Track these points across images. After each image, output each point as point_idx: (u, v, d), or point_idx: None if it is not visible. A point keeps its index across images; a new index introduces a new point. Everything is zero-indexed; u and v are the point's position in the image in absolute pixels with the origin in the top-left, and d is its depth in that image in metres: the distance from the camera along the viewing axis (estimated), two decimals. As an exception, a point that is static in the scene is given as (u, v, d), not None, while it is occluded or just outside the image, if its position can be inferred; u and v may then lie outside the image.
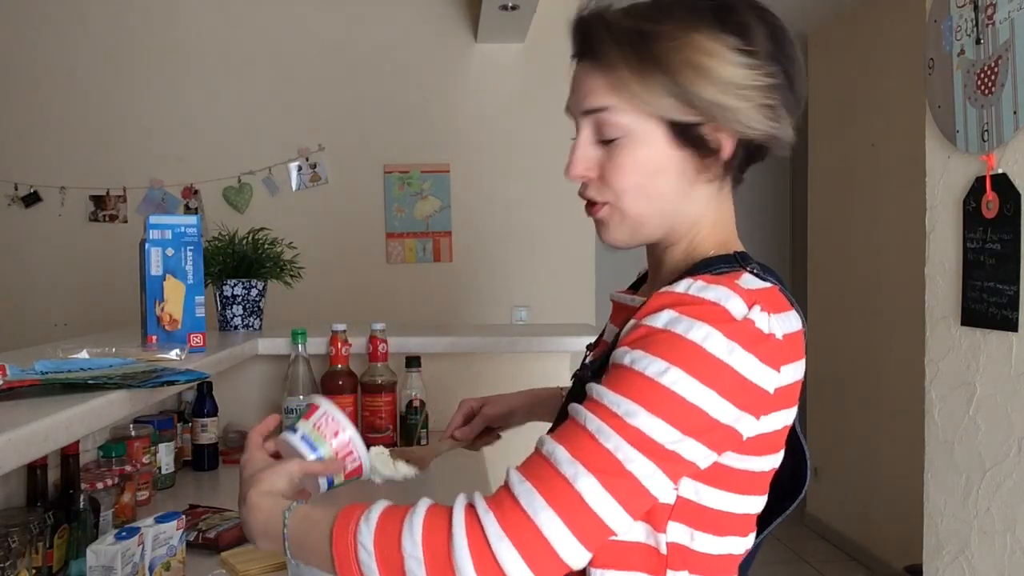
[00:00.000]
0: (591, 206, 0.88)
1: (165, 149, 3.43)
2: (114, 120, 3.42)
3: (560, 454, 0.73)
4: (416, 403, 1.96)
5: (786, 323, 0.81)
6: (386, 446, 1.03)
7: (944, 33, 1.97)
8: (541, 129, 3.44)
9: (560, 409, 0.89)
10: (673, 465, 0.74)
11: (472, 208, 3.49)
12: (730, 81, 0.79)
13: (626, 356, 0.76)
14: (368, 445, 0.95)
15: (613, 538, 0.77)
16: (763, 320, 0.76)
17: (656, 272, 0.92)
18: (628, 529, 0.75)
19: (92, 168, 3.41)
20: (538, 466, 0.74)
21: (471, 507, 0.74)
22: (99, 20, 3.41)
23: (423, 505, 0.76)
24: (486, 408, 1.18)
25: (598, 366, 0.83)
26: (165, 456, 1.74)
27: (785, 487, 0.91)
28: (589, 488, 0.71)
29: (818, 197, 4.48)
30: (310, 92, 3.46)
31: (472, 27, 3.44)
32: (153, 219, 1.55)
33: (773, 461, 0.84)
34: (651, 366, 0.73)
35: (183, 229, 1.55)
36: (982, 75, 1.84)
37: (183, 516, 1.21)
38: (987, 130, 1.84)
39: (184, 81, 3.43)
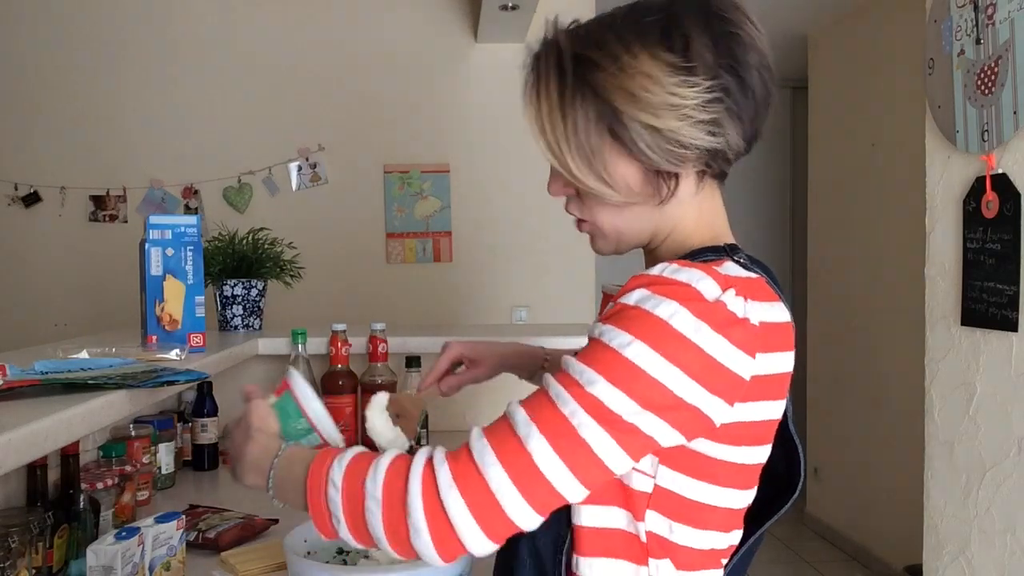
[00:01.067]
0: (578, 222, 0.93)
1: (165, 149, 3.43)
2: (114, 120, 3.42)
3: (519, 416, 0.76)
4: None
5: (768, 312, 0.80)
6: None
7: (944, 33, 1.97)
8: (541, 129, 3.43)
9: None
10: (630, 438, 0.74)
11: (472, 208, 3.49)
12: (664, 104, 0.80)
13: (595, 329, 0.78)
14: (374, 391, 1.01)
15: (594, 524, 0.80)
16: (737, 304, 0.76)
17: (649, 265, 0.93)
18: (578, 497, 0.76)
19: (92, 168, 3.41)
20: (497, 426, 0.77)
21: (430, 459, 0.77)
22: (99, 20, 3.41)
23: (391, 453, 0.80)
24: (472, 368, 1.22)
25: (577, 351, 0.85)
26: (165, 456, 1.74)
27: (779, 483, 0.91)
28: (539, 449, 0.73)
29: (818, 197, 4.48)
30: (310, 92, 3.46)
31: (472, 27, 3.44)
32: (153, 219, 1.55)
33: (758, 455, 0.83)
34: (616, 339, 0.75)
35: (183, 229, 1.55)
36: (982, 75, 1.84)
37: (183, 516, 1.20)
38: (987, 130, 1.84)
39: (184, 81, 3.43)
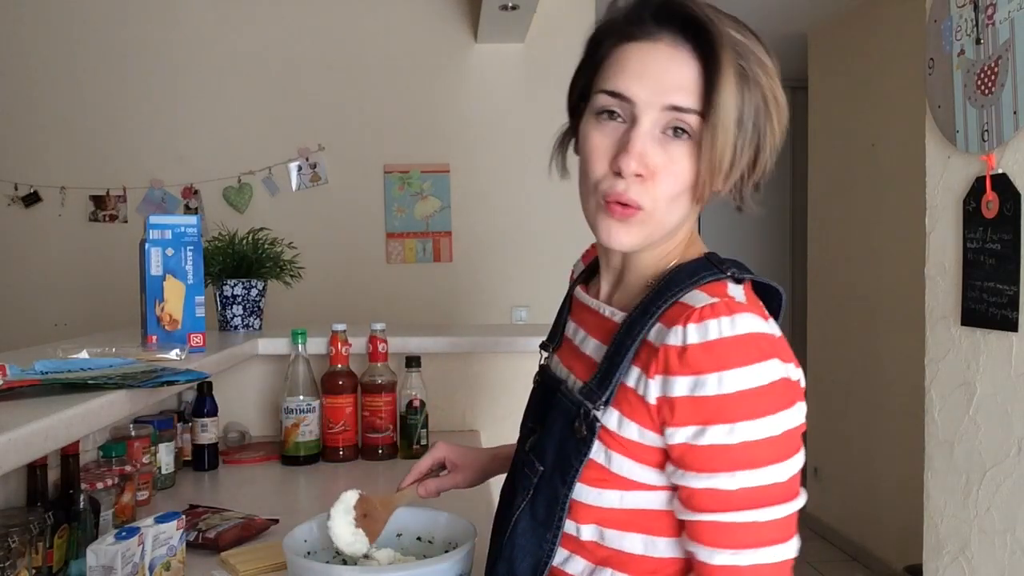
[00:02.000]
0: (619, 207, 0.81)
1: (165, 149, 3.43)
2: (114, 120, 3.42)
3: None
4: (416, 403, 1.96)
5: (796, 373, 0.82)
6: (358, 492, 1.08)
7: (944, 33, 1.97)
8: (541, 129, 3.42)
9: (533, 409, 0.95)
10: (792, 490, 0.79)
11: (472, 208, 3.49)
12: (782, 111, 0.82)
13: (704, 437, 0.75)
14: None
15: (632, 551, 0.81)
16: (790, 369, 0.78)
17: (620, 274, 0.90)
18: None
19: (92, 168, 3.41)
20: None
21: None
22: (99, 20, 3.41)
23: None
24: (455, 473, 1.17)
25: (594, 387, 0.82)
26: (165, 456, 1.74)
27: None
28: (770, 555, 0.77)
29: (818, 197, 4.48)
30: (310, 92, 3.46)
31: (472, 27, 3.44)
32: (153, 219, 1.55)
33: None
34: (723, 436, 0.74)
35: (183, 229, 1.55)
36: (982, 75, 1.84)
37: (183, 516, 1.20)
38: (987, 130, 1.84)
39: (184, 81, 3.43)
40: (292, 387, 1.93)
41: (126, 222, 3.41)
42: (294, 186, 3.46)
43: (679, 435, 0.76)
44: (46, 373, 1.09)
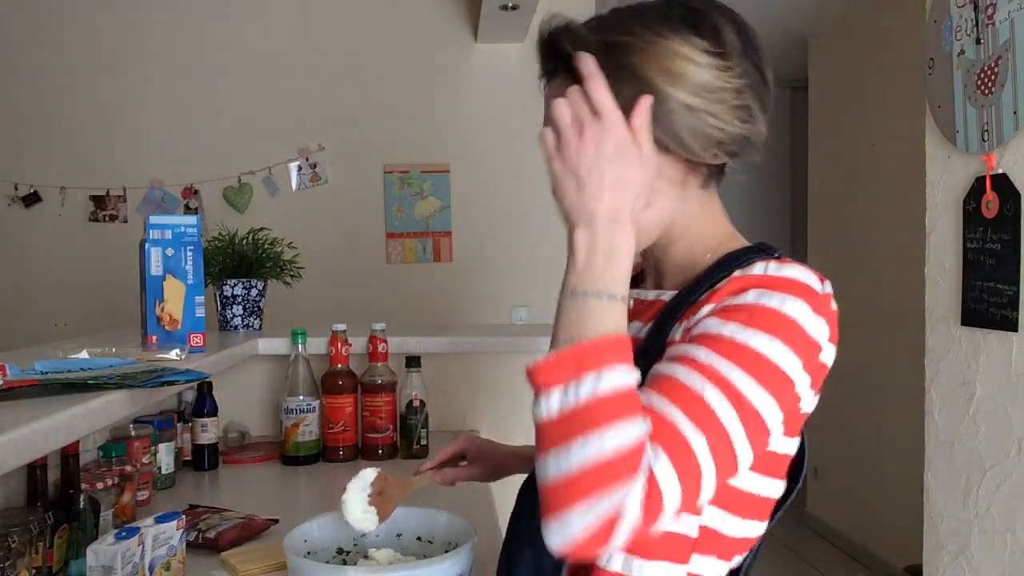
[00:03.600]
0: None
1: (165, 149, 3.43)
2: (114, 120, 3.42)
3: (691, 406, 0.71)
4: (416, 403, 1.96)
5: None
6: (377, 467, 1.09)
7: (944, 33, 1.97)
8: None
9: None
10: (761, 427, 0.74)
11: (472, 208, 3.49)
12: (704, 85, 0.79)
13: (713, 326, 0.75)
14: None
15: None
16: (831, 297, 0.79)
17: (660, 270, 0.92)
18: (741, 470, 0.75)
19: (92, 168, 3.41)
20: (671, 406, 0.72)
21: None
22: (99, 20, 3.41)
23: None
24: (473, 465, 1.20)
25: (638, 358, 0.77)
26: (165, 456, 1.74)
27: (791, 471, 0.89)
28: (729, 419, 0.72)
29: (818, 197, 4.49)
30: (310, 92, 3.46)
31: (472, 27, 3.44)
32: (153, 219, 1.55)
33: (796, 445, 0.85)
34: (742, 334, 0.74)
35: (183, 229, 1.55)
36: (982, 75, 1.84)
37: (183, 516, 1.20)
38: (987, 130, 1.84)
39: (184, 81, 3.43)
40: (292, 387, 1.93)
41: (126, 222, 3.41)
42: (294, 186, 3.46)
43: (697, 327, 0.76)
44: (46, 373, 1.09)
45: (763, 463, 0.80)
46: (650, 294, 0.90)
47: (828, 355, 0.79)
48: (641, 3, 0.84)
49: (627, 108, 0.76)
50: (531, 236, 3.48)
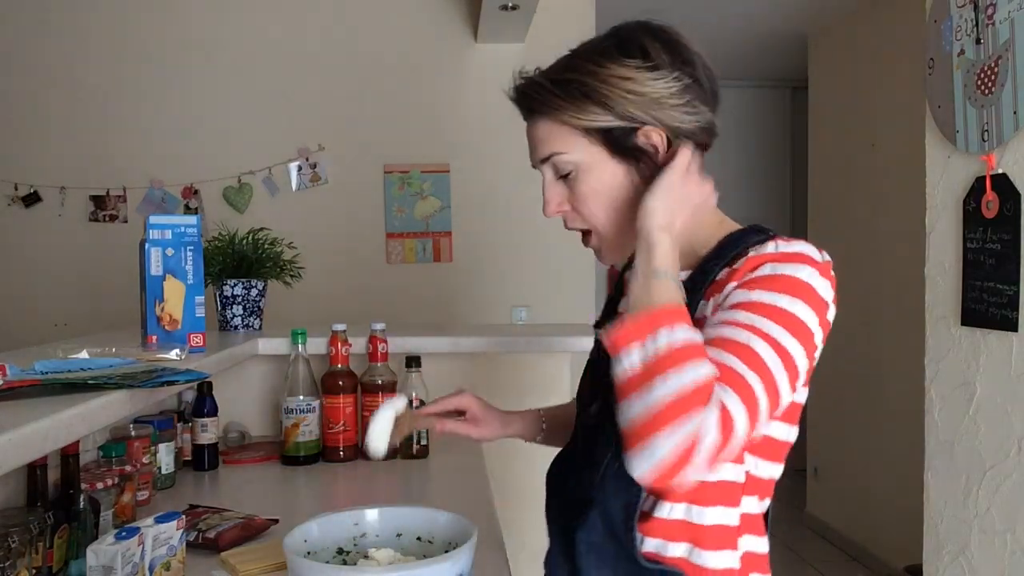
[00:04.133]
0: (584, 237, 1.05)
1: (165, 149, 3.43)
2: (114, 120, 3.42)
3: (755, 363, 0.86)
4: (416, 403, 1.96)
5: None
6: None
7: (944, 33, 1.97)
8: (541, 129, 3.44)
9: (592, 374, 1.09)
10: (794, 371, 0.88)
11: (472, 208, 3.49)
12: (646, 94, 0.95)
13: (741, 295, 0.89)
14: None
15: (708, 478, 0.90)
16: (831, 263, 0.94)
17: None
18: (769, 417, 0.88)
19: (92, 168, 3.41)
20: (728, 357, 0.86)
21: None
22: (99, 20, 3.41)
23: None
24: (472, 424, 1.28)
25: None
26: (165, 456, 1.74)
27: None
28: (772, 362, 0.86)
29: (818, 197, 4.49)
30: (310, 92, 3.46)
31: (472, 27, 3.44)
32: (153, 219, 1.55)
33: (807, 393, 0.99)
34: (770, 297, 0.88)
35: (183, 229, 1.55)
36: (982, 75, 1.84)
37: (183, 516, 1.20)
38: (987, 130, 1.84)
39: (184, 81, 3.43)
40: (292, 387, 1.93)
41: (126, 222, 3.41)
42: (294, 186, 3.46)
43: (728, 299, 0.90)
44: (46, 373, 1.09)
45: (786, 411, 0.94)
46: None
47: (832, 313, 0.92)
48: (577, 48, 1.02)
49: (595, 121, 0.96)
50: (531, 236, 3.48)
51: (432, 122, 3.49)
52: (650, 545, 0.94)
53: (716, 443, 0.79)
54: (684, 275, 0.97)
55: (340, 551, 1.09)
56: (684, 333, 0.83)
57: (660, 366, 0.81)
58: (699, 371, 0.81)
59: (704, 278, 0.96)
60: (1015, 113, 1.75)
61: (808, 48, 4.47)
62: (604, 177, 0.99)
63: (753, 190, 5.05)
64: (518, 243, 3.50)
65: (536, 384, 2.22)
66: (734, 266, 0.93)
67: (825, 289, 0.91)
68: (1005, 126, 1.78)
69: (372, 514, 1.14)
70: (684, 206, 0.95)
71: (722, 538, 0.93)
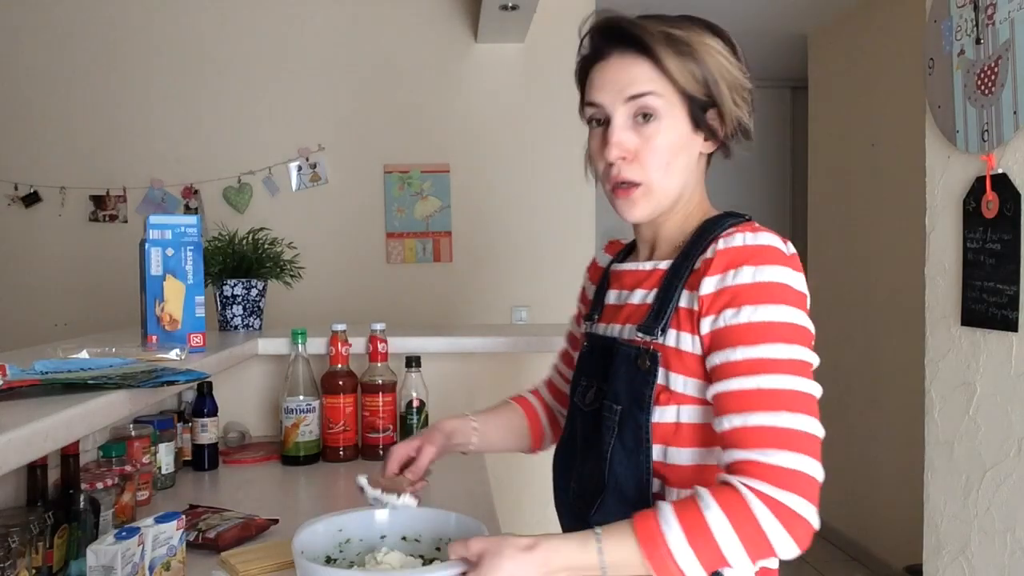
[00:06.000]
0: (622, 189, 1.02)
1: (165, 149, 3.43)
2: (114, 120, 3.42)
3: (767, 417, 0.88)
4: (416, 403, 1.96)
5: None
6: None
7: (944, 33, 1.97)
8: (541, 129, 3.44)
9: (583, 361, 1.13)
10: (809, 370, 0.92)
11: (472, 208, 3.49)
12: (734, 79, 1.01)
13: (733, 316, 0.92)
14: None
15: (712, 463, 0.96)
16: (796, 254, 0.98)
17: (655, 243, 1.10)
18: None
19: (92, 168, 3.41)
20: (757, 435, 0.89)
21: (749, 487, 0.86)
22: (99, 20, 3.41)
23: (707, 494, 0.87)
24: (422, 456, 1.22)
25: (651, 322, 1.00)
26: (165, 456, 1.74)
27: None
28: (803, 423, 0.88)
29: (818, 197, 4.48)
30: (310, 92, 3.46)
31: (472, 27, 3.44)
32: (153, 219, 1.55)
33: None
34: (766, 313, 0.91)
35: (183, 229, 1.55)
36: (982, 75, 1.84)
37: (183, 516, 1.20)
38: (987, 130, 1.84)
39: (184, 81, 3.43)
40: (292, 387, 1.93)
41: (126, 222, 3.41)
42: (294, 186, 3.46)
43: (719, 320, 0.93)
44: (46, 373, 1.09)
45: None
46: (646, 265, 1.08)
47: (809, 301, 0.96)
48: (664, 16, 1.03)
49: (688, 83, 0.99)
50: (531, 236, 3.48)
51: (432, 122, 3.49)
52: None
53: (807, 530, 0.87)
54: (666, 264, 1.03)
55: (328, 560, 1.07)
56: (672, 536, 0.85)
57: (713, 551, 0.84)
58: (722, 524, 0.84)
59: (686, 264, 1.00)
60: (1015, 113, 1.75)
61: (808, 48, 4.47)
62: (678, 136, 1.01)
63: (753, 190, 5.05)
64: (518, 243, 3.50)
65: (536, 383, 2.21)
66: (705, 255, 0.97)
67: (801, 283, 0.95)
68: (1005, 126, 1.78)
69: (378, 516, 1.12)
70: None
71: None
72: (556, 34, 3.41)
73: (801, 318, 0.92)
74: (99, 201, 3.41)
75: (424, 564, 1.06)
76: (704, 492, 0.87)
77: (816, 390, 0.90)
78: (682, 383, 0.97)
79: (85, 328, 3.13)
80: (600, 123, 1.04)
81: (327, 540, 1.08)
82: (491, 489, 1.70)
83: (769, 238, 0.95)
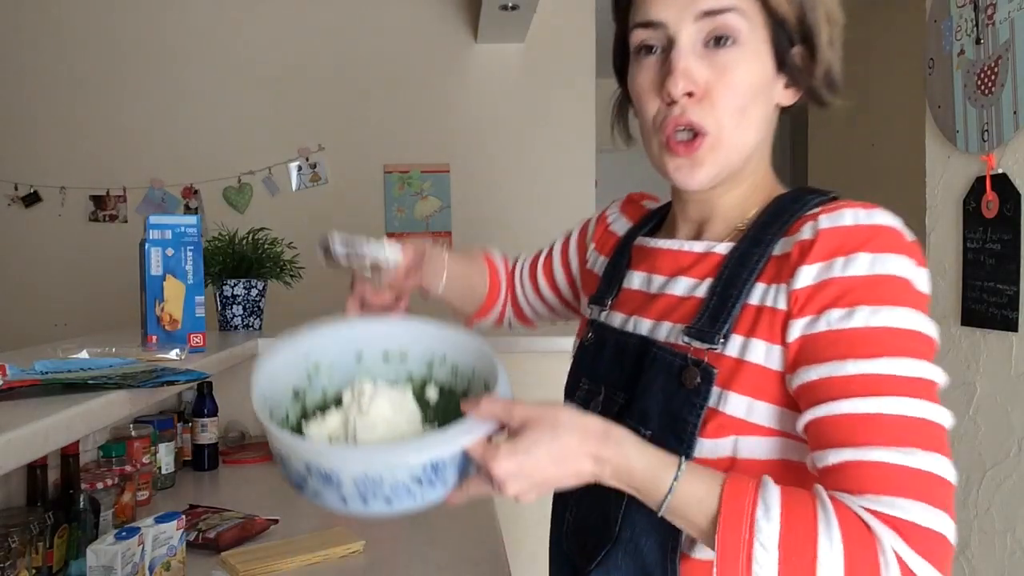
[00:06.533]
0: (682, 143, 0.77)
1: (165, 149, 3.43)
2: (114, 120, 3.42)
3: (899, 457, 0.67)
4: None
5: None
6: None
7: (944, 33, 1.97)
8: (541, 129, 3.44)
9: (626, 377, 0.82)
10: (934, 387, 0.73)
11: (472, 208, 3.49)
12: (832, 9, 0.84)
13: (852, 319, 0.69)
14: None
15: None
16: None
17: (700, 226, 0.85)
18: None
19: (92, 168, 3.41)
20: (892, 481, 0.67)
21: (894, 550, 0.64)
22: (99, 20, 3.41)
23: (832, 512, 0.65)
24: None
25: (704, 325, 0.75)
26: (165, 456, 1.74)
27: None
28: (935, 464, 0.68)
29: (818, 197, 4.48)
30: (310, 92, 3.46)
31: (472, 27, 3.44)
32: (153, 219, 1.55)
33: None
34: (886, 318, 0.69)
35: (183, 229, 1.55)
36: (982, 75, 1.84)
37: (183, 516, 1.21)
38: (987, 130, 1.84)
39: (184, 81, 3.43)
40: (292, 387, 1.92)
41: (126, 222, 3.41)
42: (294, 186, 3.46)
43: (820, 322, 0.70)
44: (46, 373, 1.09)
45: None
46: (696, 246, 0.82)
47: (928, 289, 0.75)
48: None
49: (783, 5, 0.78)
50: (531, 236, 3.47)
51: (432, 122, 3.49)
52: None
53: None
54: (726, 247, 0.79)
55: (296, 393, 0.85)
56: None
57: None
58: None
59: (756, 250, 0.76)
60: (1015, 113, 1.75)
61: (808, 48, 4.47)
62: (761, 72, 0.77)
63: (753, 190, 5.05)
64: (518, 243, 3.48)
65: (536, 384, 2.21)
66: (798, 236, 0.73)
67: (925, 280, 0.72)
68: (1005, 126, 1.78)
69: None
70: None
71: None
72: (556, 34, 3.41)
73: (927, 325, 0.70)
74: (99, 201, 3.41)
75: (418, 390, 0.86)
76: (829, 505, 0.64)
77: (948, 420, 0.71)
78: (745, 407, 0.72)
79: (85, 328, 3.13)
80: (652, 51, 0.77)
81: (291, 372, 0.86)
82: (495, 500, 1.69)
83: (887, 217, 0.74)
